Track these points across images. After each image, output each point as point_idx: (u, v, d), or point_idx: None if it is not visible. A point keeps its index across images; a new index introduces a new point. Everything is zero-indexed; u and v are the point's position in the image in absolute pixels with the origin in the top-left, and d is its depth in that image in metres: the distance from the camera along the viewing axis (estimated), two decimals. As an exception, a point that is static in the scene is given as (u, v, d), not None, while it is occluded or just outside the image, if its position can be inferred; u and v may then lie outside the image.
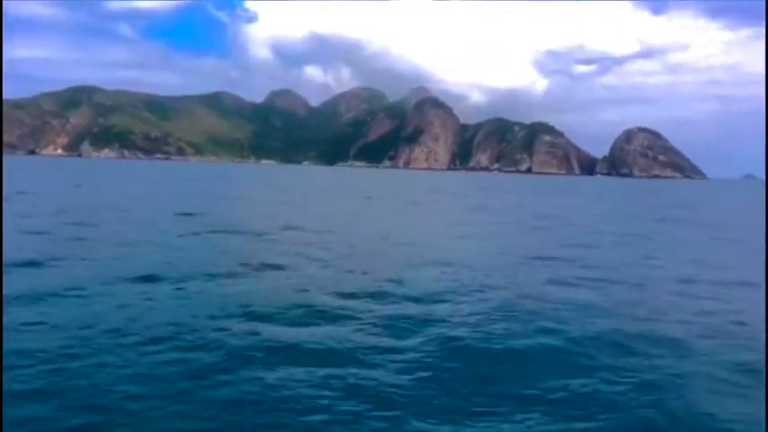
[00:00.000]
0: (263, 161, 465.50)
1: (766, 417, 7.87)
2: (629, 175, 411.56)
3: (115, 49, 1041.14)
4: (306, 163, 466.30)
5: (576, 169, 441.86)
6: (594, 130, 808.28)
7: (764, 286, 16.37)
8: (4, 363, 8.21)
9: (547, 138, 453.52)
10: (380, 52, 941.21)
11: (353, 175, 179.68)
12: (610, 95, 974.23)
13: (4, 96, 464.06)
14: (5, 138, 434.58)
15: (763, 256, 20.97)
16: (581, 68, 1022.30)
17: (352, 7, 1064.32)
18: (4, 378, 7.78)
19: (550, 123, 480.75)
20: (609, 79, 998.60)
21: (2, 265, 14.10)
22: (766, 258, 19.77)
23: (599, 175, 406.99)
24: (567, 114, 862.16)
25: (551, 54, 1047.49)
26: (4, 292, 12.24)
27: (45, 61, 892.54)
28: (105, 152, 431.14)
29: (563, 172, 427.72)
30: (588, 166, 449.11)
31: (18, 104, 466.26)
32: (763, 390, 8.77)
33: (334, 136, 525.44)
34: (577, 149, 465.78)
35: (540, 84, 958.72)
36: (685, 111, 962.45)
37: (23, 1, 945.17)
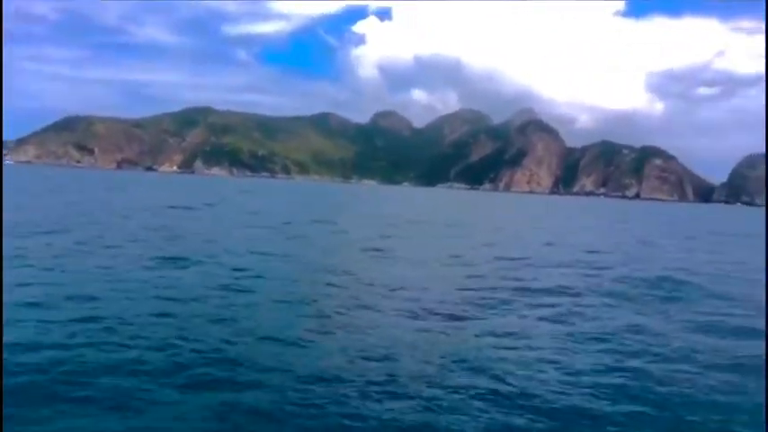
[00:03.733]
0: (365, 181, 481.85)
1: (766, 416, 8.32)
2: (751, 203, 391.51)
3: (231, 72, 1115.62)
4: (406, 184, 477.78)
5: (690, 196, 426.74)
6: (715, 156, 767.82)
7: (765, 286, 18.46)
8: None
9: (657, 162, 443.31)
10: (486, 74, 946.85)
11: (485, 198, 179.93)
12: (735, 119, 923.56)
13: (126, 116, 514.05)
14: (126, 154, 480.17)
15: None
16: (703, 91, 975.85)
17: (458, 29, 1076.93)
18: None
19: (663, 148, 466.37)
20: (735, 102, 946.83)
21: (2, 266, 14.16)
22: (766, 263, 22.76)
23: (716, 203, 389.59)
24: (685, 139, 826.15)
25: (670, 76, 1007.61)
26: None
27: (166, 84, 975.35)
28: (215, 170, 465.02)
29: (675, 198, 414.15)
30: (704, 193, 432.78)
31: (139, 124, 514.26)
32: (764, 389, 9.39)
33: (435, 157, 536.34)
34: (692, 175, 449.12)
35: (656, 106, 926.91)
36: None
37: (148, 29, 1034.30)
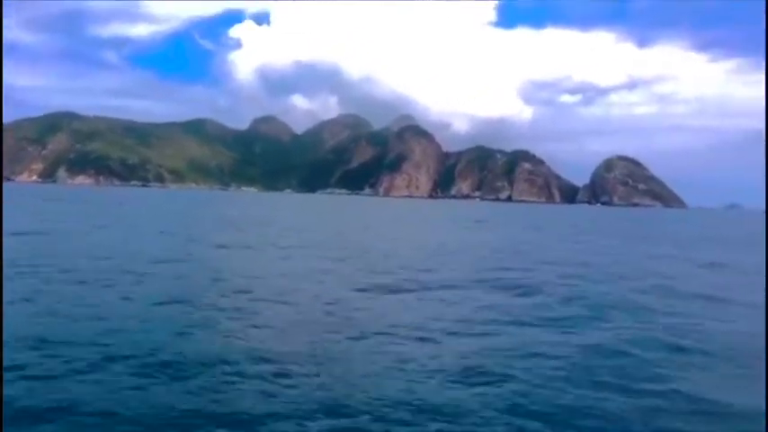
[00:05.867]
0: (244, 188, 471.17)
1: (766, 417, 8.29)
2: (609, 203, 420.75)
3: (100, 76, 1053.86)
4: (287, 190, 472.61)
5: (557, 197, 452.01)
6: (580, 160, 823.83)
7: (764, 285, 18.48)
8: None
9: (527, 165, 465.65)
10: (366, 81, 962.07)
11: (371, 205, 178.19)
12: (595, 125, 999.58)
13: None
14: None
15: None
16: (567, 98, 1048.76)
17: (337, 35, 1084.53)
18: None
19: (533, 152, 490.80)
20: (594, 109, 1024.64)
21: (2, 265, 14.75)
22: (766, 266, 23.35)
23: (579, 204, 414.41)
24: (551, 143, 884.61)
25: (537, 84, 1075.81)
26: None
27: (25, 87, 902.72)
28: (80, 178, 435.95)
29: (543, 200, 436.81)
30: (569, 195, 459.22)
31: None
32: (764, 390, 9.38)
33: (315, 163, 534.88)
34: (558, 178, 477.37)
35: (525, 113, 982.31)
36: (670, 141, 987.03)
37: (6, 26, 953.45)
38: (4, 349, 9.88)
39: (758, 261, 31.48)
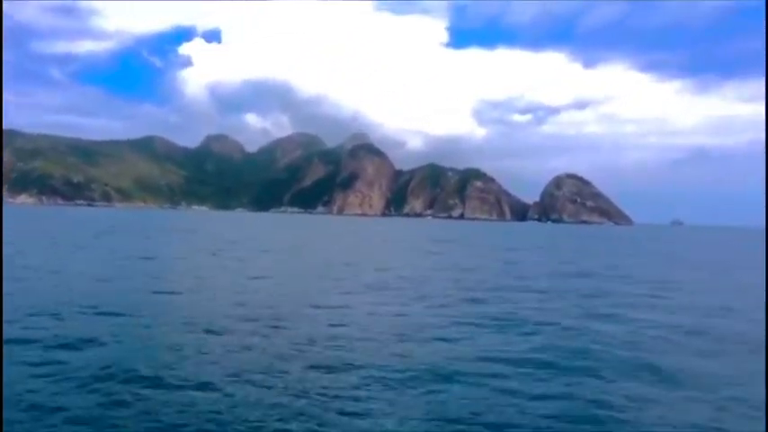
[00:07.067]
0: (195, 207, 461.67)
1: (766, 417, 8.45)
2: (559, 220, 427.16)
3: (44, 93, 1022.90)
4: (239, 209, 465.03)
5: (508, 215, 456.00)
6: (531, 177, 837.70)
7: (765, 287, 18.74)
8: None
9: (478, 183, 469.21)
10: (319, 99, 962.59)
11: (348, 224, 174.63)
12: (546, 144, 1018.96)
13: None
14: None
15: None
16: (518, 118, 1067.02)
17: (289, 53, 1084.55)
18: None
19: (484, 170, 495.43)
20: (545, 128, 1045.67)
21: (2, 271, 15.14)
22: (766, 273, 23.14)
23: (530, 221, 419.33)
24: (503, 161, 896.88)
25: (489, 103, 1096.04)
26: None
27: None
28: (22, 198, 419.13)
29: (494, 218, 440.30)
30: (520, 212, 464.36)
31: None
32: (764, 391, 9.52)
33: (268, 182, 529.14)
34: (509, 195, 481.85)
35: (478, 132, 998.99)
36: (617, 159, 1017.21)
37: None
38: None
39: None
